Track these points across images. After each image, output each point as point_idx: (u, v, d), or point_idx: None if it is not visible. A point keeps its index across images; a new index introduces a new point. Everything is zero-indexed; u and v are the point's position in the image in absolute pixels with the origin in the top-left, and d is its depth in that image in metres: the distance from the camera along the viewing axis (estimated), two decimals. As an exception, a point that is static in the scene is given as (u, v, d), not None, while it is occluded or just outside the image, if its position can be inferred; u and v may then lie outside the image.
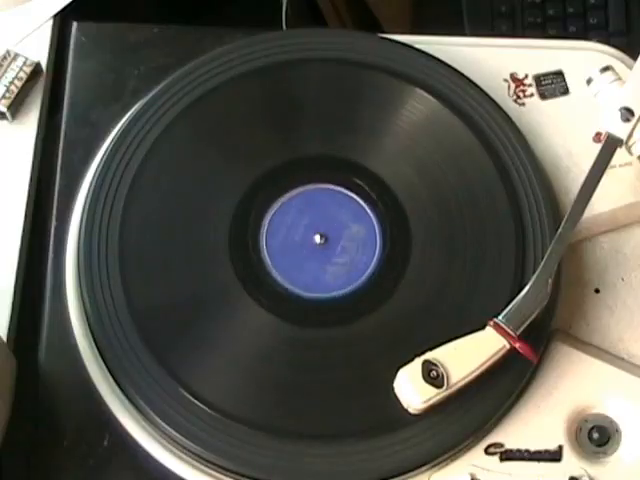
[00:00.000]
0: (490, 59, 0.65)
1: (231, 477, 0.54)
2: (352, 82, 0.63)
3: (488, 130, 0.61)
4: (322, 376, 0.55)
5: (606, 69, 0.61)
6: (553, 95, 0.64)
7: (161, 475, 0.54)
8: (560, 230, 0.56)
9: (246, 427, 0.53)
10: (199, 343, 0.55)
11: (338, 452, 0.53)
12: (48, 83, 0.65)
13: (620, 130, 0.59)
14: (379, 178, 0.61)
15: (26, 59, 0.64)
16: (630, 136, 0.59)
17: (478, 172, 0.60)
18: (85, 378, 0.56)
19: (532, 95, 0.64)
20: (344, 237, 0.59)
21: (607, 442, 0.55)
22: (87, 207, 0.59)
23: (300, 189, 0.60)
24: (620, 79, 0.61)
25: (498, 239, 0.59)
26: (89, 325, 0.56)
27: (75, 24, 0.66)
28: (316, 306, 0.57)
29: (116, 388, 0.55)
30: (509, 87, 0.65)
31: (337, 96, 0.63)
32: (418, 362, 0.53)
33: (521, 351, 0.53)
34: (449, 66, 0.64)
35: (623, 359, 0.58)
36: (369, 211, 0.60)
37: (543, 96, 0.64)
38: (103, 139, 0.62)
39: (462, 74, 0.63)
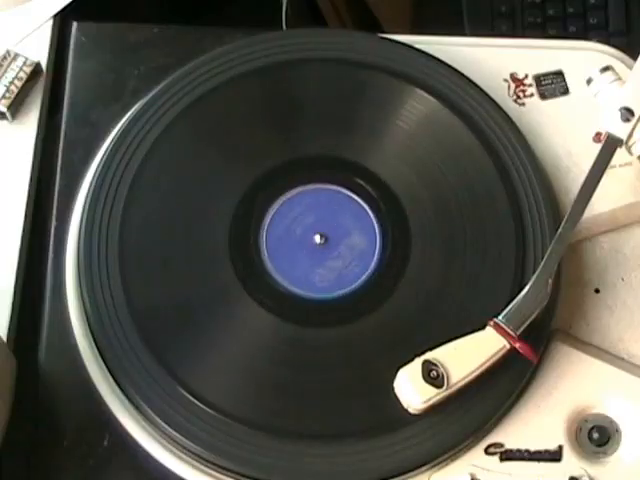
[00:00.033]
0: (490, 59, 0.65)
1: (231, 477, 0.54)
2: (352, 82, 0.63)
3: (488, 130, 0.61)
4: (322, 376, 0.55)
5: (606, 69, 0.61)
6: (553, 95, 0.64)
7: (161, 475, 0.54)
8: (560, 230, 0.56)
9: (246, 427, 0.53)
10: (199, 343, 0.55)
11: (338, 452, 0.53)
12: (48, 83, 0.65)
13: (620, 130, 0.59)
14: (379, 178, 0.61)
15: (26, 59, 0.64)
16: (630, 136, 0.59)
17: (478, 172, 0.60)
18: (85, 378, 0.56)
19: (532, 95, 0.64)
20: (344, 237, 0.59)
21: (607, 442, 0.55)
22: (87, 207, 0.59)
23: (300, 189, 0.60)
24: (620, 79, 0.61)
25: (498, 239, 0.59)
26: (89, 325, 0.56)
27: (75, 24, 0.66)
28: (316, 306, 0.57)
29: (116, 388, 0.55)
30: (509, 87, 0.65)
31: (337, 96, 0.63)
32: (418, 362, 0.53)
33: (521, 351, 0.53)
34: (449, 66, 0.64)
35: (623, 359, 0.58)
36: (369, 211, 0.60)
37: (543, 96, 0.64)
38: (103, 139, 0.62)
39: (462, 74, 0.63)
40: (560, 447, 0.54)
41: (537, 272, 0.55)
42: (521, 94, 0.64)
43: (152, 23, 0.66)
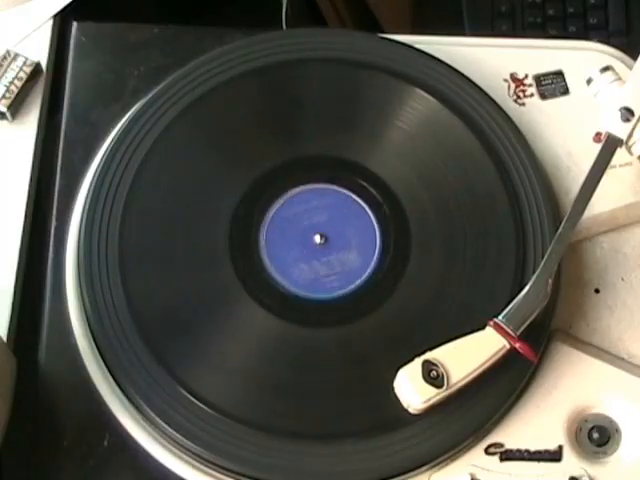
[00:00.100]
0: (490, 59, 0.65)
1: (231, 477, 0.54)
2: (352, 82, 0.63)
3: (488, 130, 0.61)
4: (322, 376, 0.55)
5: (606, 69, 0.61)
6: (553, 95, 0.64)
7: (161, 475, 0.54)
8: (560, 230, 0.56)
9: (246, 427, 0.53)
10: (199, 343, 0.55)
11: (338, 452, 0.53)
12: (48, 83, 0.65)
13: (620, 130, 0.59)
14: (379, 178, 0.61)
15: (26, 59, 0.64)
16: (630, 136, 0.59)
17: (478, 172, 0.60)
18: (85, 378, 0.56)
19: (532, 95, 0.64)
20: (344, 237, 0.59)
21: (607, 442, 0.55)
22: (87, 207, 0.59)
23: (300, 189, 0.60)
24: (620, 79, 0.61)
25: (498, 239, 0.59)
26: (89, 325, 0.56)
27: (75, 24, 0.66)
28: (316, 306, 0.57)
29: (116, 388, 0.55)
30: (509, 87, 0.65)
31: (337, 96, 0.63)
32: (418, 362, 0.53)
33: (521, 351, 0.53)
34: (449, 66, 0.63)
35: (623, 359, 0.58)
36: (369, 211, 0.60)
37: (543, 96, 0.64)
38: (103, 139, 0.62)
39: (462, 74, 0.63)
40: (560, 447, 0.54)
41: (537, 272, 0.55)
42: (521, 94, 0.64)
43: (152, 23, 0.66)
